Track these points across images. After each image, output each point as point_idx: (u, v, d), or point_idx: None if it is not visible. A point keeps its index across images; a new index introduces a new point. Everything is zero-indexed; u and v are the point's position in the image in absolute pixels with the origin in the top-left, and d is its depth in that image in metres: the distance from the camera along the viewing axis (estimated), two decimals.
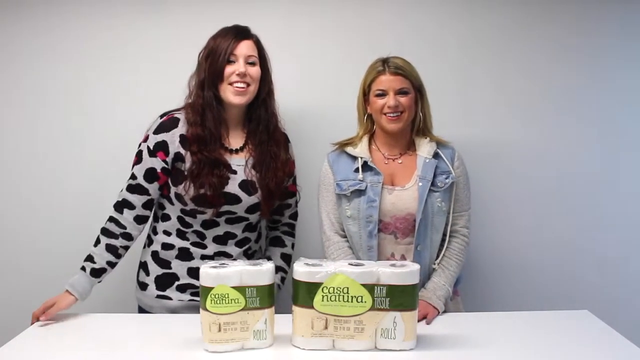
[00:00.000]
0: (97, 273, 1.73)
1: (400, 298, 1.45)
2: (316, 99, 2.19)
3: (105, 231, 1.76)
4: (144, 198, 1.77)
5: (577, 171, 2.24)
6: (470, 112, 2.21)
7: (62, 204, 2.22)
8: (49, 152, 2.21)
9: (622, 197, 2.25)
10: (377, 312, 1.45)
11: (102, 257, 1.74)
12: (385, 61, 1.78)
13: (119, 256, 1.77)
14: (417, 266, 1.48)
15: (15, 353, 1.48)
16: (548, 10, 2.18)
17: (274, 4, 2.17)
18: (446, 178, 1.79)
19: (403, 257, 1.78)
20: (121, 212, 1.77)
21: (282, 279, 1.92)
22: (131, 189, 1.77)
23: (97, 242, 1.76)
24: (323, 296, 1.45)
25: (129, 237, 1.77)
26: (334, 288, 1.44)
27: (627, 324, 1.70)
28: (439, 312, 1.71)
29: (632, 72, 2.22)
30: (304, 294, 1.46)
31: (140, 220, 1.79)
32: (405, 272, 1.45)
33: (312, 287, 1.45)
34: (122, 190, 1.79)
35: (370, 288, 1.45)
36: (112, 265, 1.76)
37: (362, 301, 1.45)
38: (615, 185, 2.25)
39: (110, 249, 1.75)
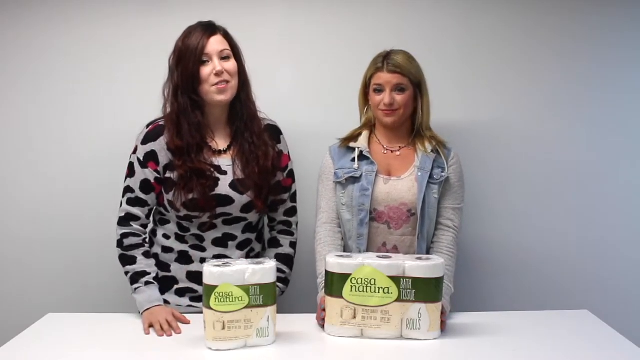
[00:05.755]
0: (155, 280, 1.74)
1: (425, 290, 1.51)
2: (316, 99, 2.18)
3: (129, 248, 1.74)
4: (146, 210, 1.77)
5: (577, 168, 2.21)
6: (468, 108, 2.19)
7: (61, 201, 2.19)
8: (42, 150, 2.17)
9: (622, 196, 2.23)
10: (403, 303, 1.52)
11: (149, 266, 1.74)
12: (385, 57, 1.78)
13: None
14: (441, 260, 1.55)
15: (15, 353, 1.47)
16: (548, 5, 2.15)
17: (274, 4, 2.16)
18: (442, 172, 1.81)
19: (395, 248, 1.80)
20: (129, 225, 1.74)
21: (282, 281, 1.83)
22: (132, 202, 1.74)
23: (132, 260, 1.72)
24: (352, 286, 1.52)
25: (145, 241, 1.78)
26: (361, 279, 1.51)
27: (627, 324, 1.71)
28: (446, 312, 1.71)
29: (631, 67, 2.19)
30: (334, 284, 1.53)
31: (145, 227, 1.79)
32: (430, 265, 1.52)
33: (343, 278, 1.52)
34: (121, 206, 1.76)
35: (396, 280, 1.51)
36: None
37: (388, 292, 1.51)
38: (615, 184, 2.22)
39: (148, 255, 1.75)
